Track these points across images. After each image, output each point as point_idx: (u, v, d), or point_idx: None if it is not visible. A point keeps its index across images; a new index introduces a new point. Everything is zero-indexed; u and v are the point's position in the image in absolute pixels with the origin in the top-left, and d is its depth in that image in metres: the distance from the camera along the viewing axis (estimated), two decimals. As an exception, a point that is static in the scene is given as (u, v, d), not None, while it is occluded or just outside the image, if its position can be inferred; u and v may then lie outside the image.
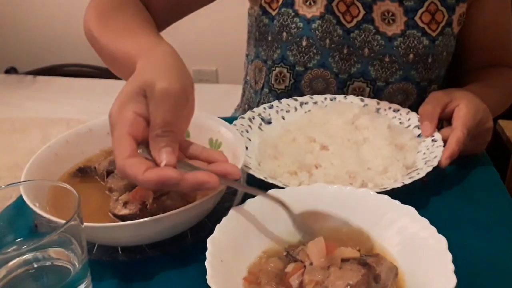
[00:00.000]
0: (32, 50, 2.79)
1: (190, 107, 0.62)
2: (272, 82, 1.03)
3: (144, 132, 0.58)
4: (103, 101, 2.37)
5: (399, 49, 0.95)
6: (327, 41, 0.95)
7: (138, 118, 0.58)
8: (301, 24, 0.95)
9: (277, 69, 1.01)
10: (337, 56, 0.97)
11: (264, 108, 0.92)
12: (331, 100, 0.95)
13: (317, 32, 0.95)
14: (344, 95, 0.96)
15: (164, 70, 0.60)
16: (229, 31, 2.37)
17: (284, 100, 0.94)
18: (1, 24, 2.77)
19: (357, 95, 0.97)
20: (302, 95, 0.98)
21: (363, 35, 0.96)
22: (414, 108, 0.91)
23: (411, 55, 0.95)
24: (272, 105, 0.93)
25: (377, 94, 0.99)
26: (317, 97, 0.95)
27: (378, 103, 0.93)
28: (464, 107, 0.81)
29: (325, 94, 0.97)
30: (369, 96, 0.99)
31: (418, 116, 0.88)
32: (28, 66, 2.79)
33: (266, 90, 1.06)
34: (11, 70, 2.82)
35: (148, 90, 0.58)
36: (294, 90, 1.01)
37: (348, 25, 0.95)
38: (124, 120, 0.57)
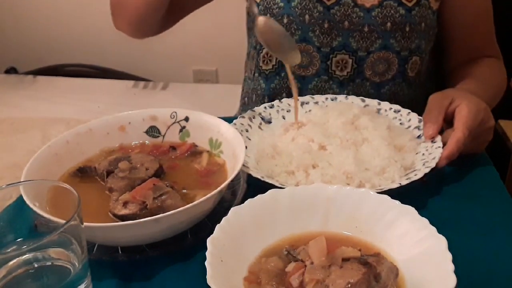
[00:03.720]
0: (32, 50, 2.79)
1: None
2: (261, 64, 1.08)
3: None
4: (103, 101, 2.39)
5: (377, 18, 0.99)
6: (306, 16, 1.00)
7: None
8: (282, 4, 1.01)
9: (264, 50, 1.06)
10: (317, 31, 1.01)
11: (265, 107, 0.93)
12: (332, 100, 0.95)
13: (296, 9, 1.00)
14: (345, 96, 0.96)
15: None
16: (229, 31, 2.37)
17: (284, 100, 0.94)
18: (1, 24, 2.77)
19: (341, 68, 1.02)
20: None
21: (342, 10, 0.99)
22: (397, 78, 1.01)
23: (389, 24, 0.98)
24: (272, 105, 0.93)
25: (359, 64, 1.02)
26: (318, 97, 0.95)
27: (379, 104, 0.93)
28: (465, 107, 0.81)
29: (310, 68, 1.03)
30: (352, 67, 1.02)
31: (419, 117, 0.88)
32: (28, 66, 2.79)
33: (256, 74, 1.10)
34: (11, 70, 2.81)
35: None
36: (280, 68, 1.05)
37: (328, 2, 1.00)
38: None
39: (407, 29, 0.99)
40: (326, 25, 1.00)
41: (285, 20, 1.01)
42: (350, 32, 1.00)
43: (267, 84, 1.08)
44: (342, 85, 1.04)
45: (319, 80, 1.04)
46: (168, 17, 1.04)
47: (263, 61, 1.07)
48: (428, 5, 1.00)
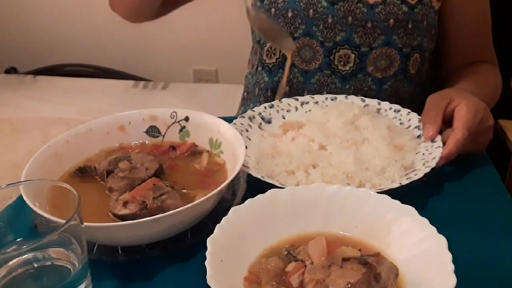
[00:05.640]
0: (32, 50, 2.79)
1: None
2: (264, 58, 1.09)
3: None
4: (103, 101, 2.39)
5: (380, 15, 1.00)
6: (311, 11, 1.01)
7: None
8: None
9: (268, 44, 1.08)
10: (321, 25, 1.02)
11: (265, 107, 0.93)
12: (332, 100, 0.95)
13: (301, 3, 1.02)
14: (345, 95, 0.96)
15: None
16: (229, 31, 2.37)
17: (284, 100, 0.94)
18: (1, 24, 2.77)
19: (343, 63, 1.03)
20: (292, 65, 1.04)
21: (346, 5, 1.01)
22: (398, 74, 1.03)
23: (392, 20, 1.00)
24: (272, 105, 0.93)
25: (362, 59, 1.03)
26: (318, 97, 0.95)
27: (379, 103, 0.93)
28: (464, 106, 0.81)
29: (313, 62, 1.04)
30: (354, 62, 1.03)
31: (419, 117, 0.88)
32: (28, 66, 2.79)
33: (259, 68, 1.11)
34: (11, 70, 2.81)
35: None
36: (284, 62, 1.05)
37: None
38: None
39: (410, 26, 1.01)
40: (330, 20, 1.01)
41: (289, 14, 1.02)
42: (353, 28, 1.01)
43: (270, 78, 1.09)
44: (344, 80, 1.04)
45: (321, 75, 1.05)
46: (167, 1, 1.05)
47: (267, 54, 1.09)
48: (430, 4, 1.02)
